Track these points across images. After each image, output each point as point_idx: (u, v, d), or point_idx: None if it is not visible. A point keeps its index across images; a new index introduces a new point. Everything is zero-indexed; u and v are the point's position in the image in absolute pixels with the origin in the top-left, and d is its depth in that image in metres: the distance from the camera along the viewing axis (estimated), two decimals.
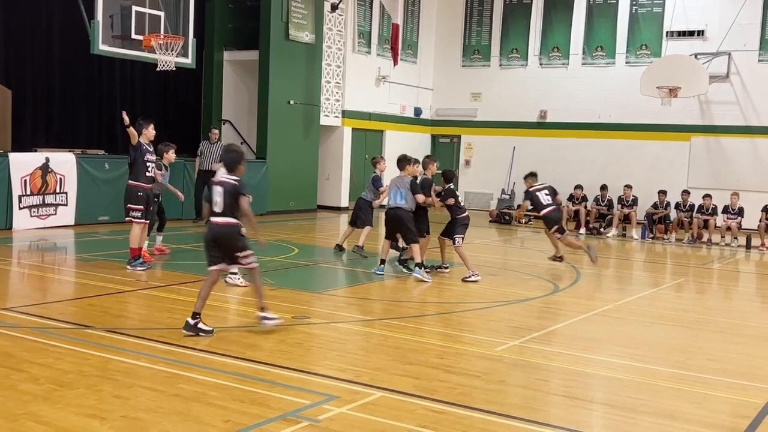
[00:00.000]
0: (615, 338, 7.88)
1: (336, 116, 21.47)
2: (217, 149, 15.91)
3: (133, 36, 14.17)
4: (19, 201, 13.58)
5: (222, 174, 7.35)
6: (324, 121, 20.88)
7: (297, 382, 5.79)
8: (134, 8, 14.17)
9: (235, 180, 7.08)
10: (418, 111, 24.38)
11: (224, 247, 7.08)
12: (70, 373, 5.70)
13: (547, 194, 12.77)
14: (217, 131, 16.98)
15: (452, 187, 11.48)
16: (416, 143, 24.19)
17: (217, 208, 7.02)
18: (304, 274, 11.21)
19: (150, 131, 10.40)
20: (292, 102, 19.53)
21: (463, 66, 24.54)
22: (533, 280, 11.27)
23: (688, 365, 6.93)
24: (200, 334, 6.89)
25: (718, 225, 17.53)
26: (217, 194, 7.02)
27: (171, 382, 5.63)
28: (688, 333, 8.45)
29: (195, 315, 6.94)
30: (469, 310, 8.87)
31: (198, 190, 16.17)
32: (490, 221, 20.86)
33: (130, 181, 10.36)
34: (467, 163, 24.55)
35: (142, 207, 10.24)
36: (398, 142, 23.08)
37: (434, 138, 25.18)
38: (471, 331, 7.83)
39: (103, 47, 13.86)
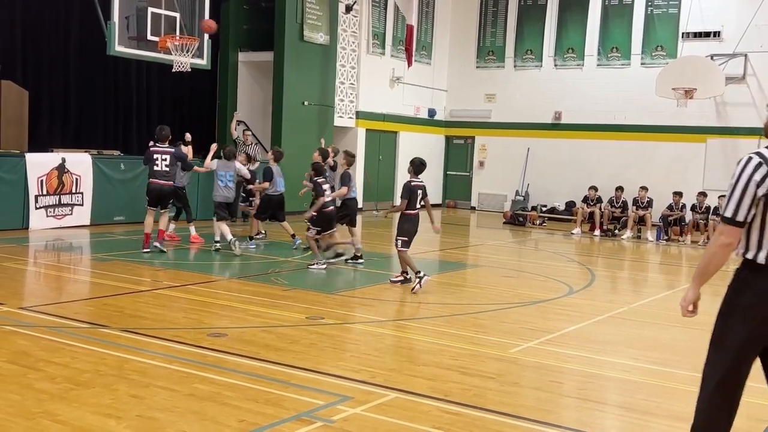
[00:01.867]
0: (630, 340, 7.85)
1: (350, 117, 21.49)
2: (252, 150, 16.44)
3: (149, 37, 14.25)
4: (36, 201, 13.69)
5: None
6: (338, 122, 20.91)
7: (311, 383, 5.80)
8: (150, 9, 14.25)
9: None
10: (432, 112, 24.37)
11: None
12: (87, 372, 5.74)
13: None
14: (249, 133, 17.29)
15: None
16: (430, 144, 24.20)
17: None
18: (318, 274, 11.22)
19: None
20: (306, 103, 19.56)
21: (477, 67, 24.51)
22: (548, 282, 11.24)
23: None
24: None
25: None
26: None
27: (186, 381, 5.66)
28: (704, 336, 8.31)
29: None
30: (483, 311, 8.86)
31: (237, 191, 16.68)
32: (504, 222, 20.84)
33: (177, 185, 11.82)
34: (481, 164, 24.51)
35: None
36: (412, 144, 23.10)
37: (448, 139, 25.17)
38: (485, 332, 7.81)
39: (119, 48, 13.95)
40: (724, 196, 16.60)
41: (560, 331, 7.99)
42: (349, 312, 8.52)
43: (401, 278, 10.18)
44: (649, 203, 18.34)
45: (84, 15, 16.20)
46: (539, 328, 8.09)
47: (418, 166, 10.34)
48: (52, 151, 14.87)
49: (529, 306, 9.33)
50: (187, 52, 14.41)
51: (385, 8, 22.34)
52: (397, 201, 22.96)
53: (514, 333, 7.80)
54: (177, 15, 14.73)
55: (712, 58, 19.98)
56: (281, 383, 5.72)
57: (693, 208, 17.99)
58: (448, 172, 25.22)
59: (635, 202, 18.53)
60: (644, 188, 18.51)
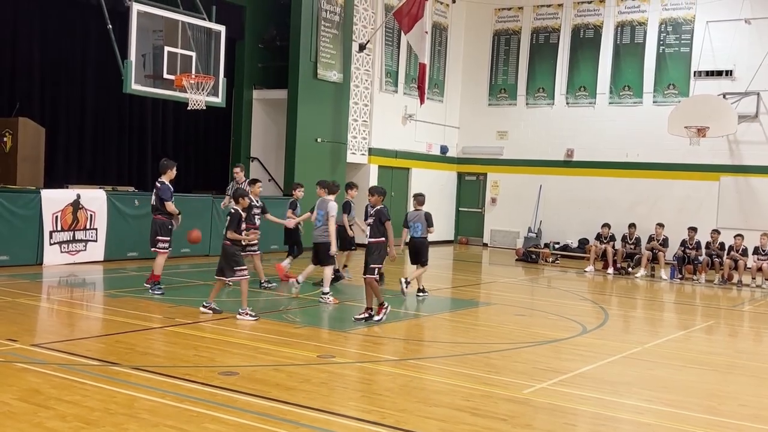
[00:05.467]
0: (644, 382, 7.75)
1: (363, 154, 21.61)
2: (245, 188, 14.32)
3: (165, 75, 14.41)
4: (50, 237, 13.77)
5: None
6: (351, 158, 21.02)
7: (322, 423, 5.76)
8: (166, 48, 14.43)
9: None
10: (444, 149, 24.47)
11: None
12: (97, 411, 5.73)
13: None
14: (239, 170, 14.61)
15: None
16: (443, 181, 24.26)
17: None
18: (330, 312, 11.19)
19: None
20: (319, 140, 19.70)
21: (489, 105, 24.64)
22: (561, 321, 11.16)
23: (720, 411, 6.79)
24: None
25: (748, 266, 17.26)
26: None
27: (196, 421, 5.63)
28: (719, 377, 8.29)
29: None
30: (495, 351, 8.79)
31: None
32: (517, 260, 20.76)
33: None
34: (493, 201, 24.52)
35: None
36: (424, 180, 23.16)
37: (460, 176, 25.21)
38: (497, 372, 7.75)
39: (135, 86, 14.09)
40: (740, 235, 16.38)
41: (573, 372, 7.91)
42: (361, 350, 8.47)
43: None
44: (665, 241, 18.21)
45: (101, 53, 16.45)
46: (552, 369, 8.01)
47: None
48: (67, 187, 15.00)
49: (542, 345, 9.25)
50: (203, 90, 14.56)
51: (398, 47, 22.56)
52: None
53: (526, 373, 7.73)
54: (193, 54, 14.91)
55: (724, 96, 20.01)
56: (292, 423, 5.68)
57: (707, 246, 17.86)
58: (460, 209, 25.22)
59: (651, 239, 18.42)
60: (660, 225, 18.39)
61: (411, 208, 13.03)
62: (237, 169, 14.57)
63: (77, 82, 17.45)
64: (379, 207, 10.12)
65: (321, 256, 11.53)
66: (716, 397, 7.32)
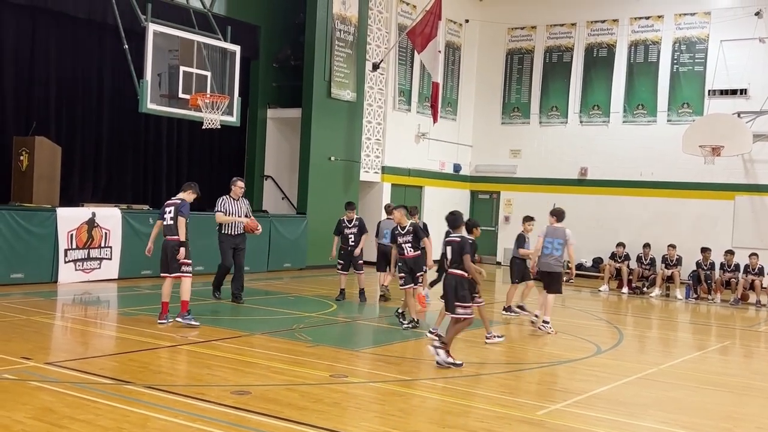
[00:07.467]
0: (660, 403, 7.67)
1: (376, 172, 21.64)
2: (244, 206, 12.79)
3: (180, 95, 14.51)
4: (65, 255, 13.84)
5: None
6: (364, 177, 21.06)
7: None
8: (182, 68, 14.54)
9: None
10: (457, 167, 24.48)
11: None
12: (110, 430, 5.72)
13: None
14: (242, 184, 12.97)
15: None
16: (456, 199, 24.23)
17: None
18: (343, 330, 11.17)
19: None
20: (332, 158, 19.76)
21: (502, 123, 24.66)
22: (575, 341, 11.08)
23: None
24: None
25: (764, 285, 17.09)
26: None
27: None
28: (735, 399, 8.20)
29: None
30: (509, 371, 8.74)
31: (225, 257, 12.65)
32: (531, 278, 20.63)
33: None
34: (506, 219, 24.47)
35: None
36: (437, 198, 23.17)
37: (473, 194, 25.20)
38: (512, 393, 7.69)
39: (151, 106, 14.19)
40: (755, 254, 16.24)
41: (588, 393, 7.84)
42: (374, 370, 8.43)
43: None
44: (678, 261, 18.10)
45: (117, 73, 16.59)
46: (567, 389, 7.95)
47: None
48: (82, 206, 15.08)
49: (556, 366, 9.19)
50: (217, 109, 14.65)
51: (411, 66, 22.65)
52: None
53: (541, 394, 7.68)
54: (208, 73, 15.02)
55: (739, 115, 19.93)
56: None
57: (721, 267, 17.72)
58: None
59: (664, 260, 18.30)
60: (673, 246, 18.28)
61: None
62: (240, 183, 12.86)
63: (93, 101, 17.59)
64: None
65: (551, 284, 11.58)
66: (732, 419, 7.24)
